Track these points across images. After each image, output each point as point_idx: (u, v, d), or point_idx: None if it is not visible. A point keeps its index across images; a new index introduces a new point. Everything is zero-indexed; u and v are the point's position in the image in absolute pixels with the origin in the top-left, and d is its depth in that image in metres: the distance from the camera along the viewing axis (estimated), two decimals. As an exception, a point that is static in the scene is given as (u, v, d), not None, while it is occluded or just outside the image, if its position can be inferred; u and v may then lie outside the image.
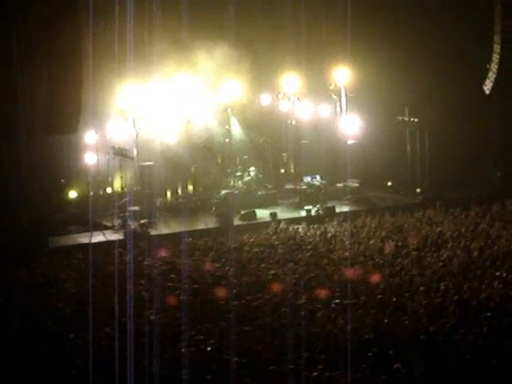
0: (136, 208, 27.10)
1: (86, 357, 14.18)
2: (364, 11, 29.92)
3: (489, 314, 16.09)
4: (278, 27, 30.87)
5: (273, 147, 32.12)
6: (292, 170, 31.98)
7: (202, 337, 15.36)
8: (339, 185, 30.63)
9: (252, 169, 30.71)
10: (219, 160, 30.68)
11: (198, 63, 28.60)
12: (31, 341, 15.70)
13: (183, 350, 14.52)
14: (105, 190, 28.70)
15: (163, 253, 21.57)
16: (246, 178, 30.27)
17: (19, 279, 20.58)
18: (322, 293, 17.96)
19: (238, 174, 30.35)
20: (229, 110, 30.23)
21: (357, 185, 29.97)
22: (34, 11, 26.97)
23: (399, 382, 13.32)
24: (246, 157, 30.96)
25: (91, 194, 27.68)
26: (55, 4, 25.96)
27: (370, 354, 14.23)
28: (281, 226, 25.71)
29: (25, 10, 26.92)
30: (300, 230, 25.40)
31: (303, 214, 28.04)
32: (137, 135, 27.63)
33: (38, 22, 27.47)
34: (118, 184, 28.40)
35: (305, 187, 29.77)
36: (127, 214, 26.36)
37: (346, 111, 30.57)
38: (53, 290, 19.25)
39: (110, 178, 28.45)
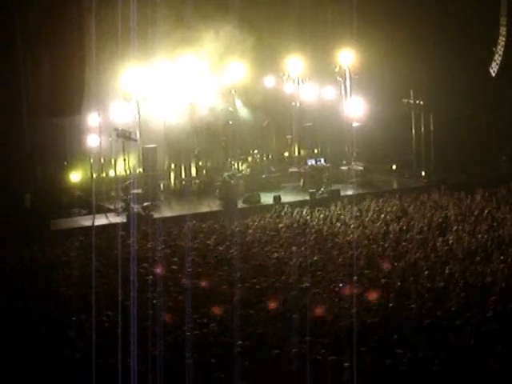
0: (139, 191, 27.03)
1: (89, 340, 14.12)
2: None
3: (494, 298, 15.96)
4: (282, 9, 30.66)
5: (277, 129, 32.00)
6: (296, 153, 31.84)
7: (205, 320, 15.29)
8: (344, 168, 30.53)
9: (256, 151, 30.61)
10: (223, 143, 30.57)
11: (202, 45, 28.41)
12: (33, 324, 15.64)
13: (187, 333, 14.45)
14: (108, 172, 28.58)
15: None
16: (250, 161, 30.15)
17: (21, 262, 20.50)
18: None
19: (242, 156, 30.23)
20: (233, 91, 30.08)
21: (361, 168, 29.86)
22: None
23: (403, 366, 13.23)
24: (249, 139, 30.83)
25: (94, 176, 27.62)
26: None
27: (374, 338, 14.14)
28: (285, 209, 25.60)
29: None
30: (304, 213, 25.26)
31: (307, 197, 27.91)
32: (140, 117, 27.49)
33: (41, 5, 27.36)
34: (121, 166, 28.29)
35: (309, 170, 29.63)
36: (130, 196, 26.30)
37: (351, 94, 30.39)
38: (55, 273, 19.18)
39: (112, 161, 28.35)
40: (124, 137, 27.06)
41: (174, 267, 18.87)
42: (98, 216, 25.30)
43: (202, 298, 16.64)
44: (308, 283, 17.28)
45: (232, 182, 28.13)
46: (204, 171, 30.14)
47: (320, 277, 17.86)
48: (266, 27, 30.50)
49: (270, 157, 31.31)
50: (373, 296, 16.44)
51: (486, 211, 23.53)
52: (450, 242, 20.56)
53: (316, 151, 31.67)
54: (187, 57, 28.64)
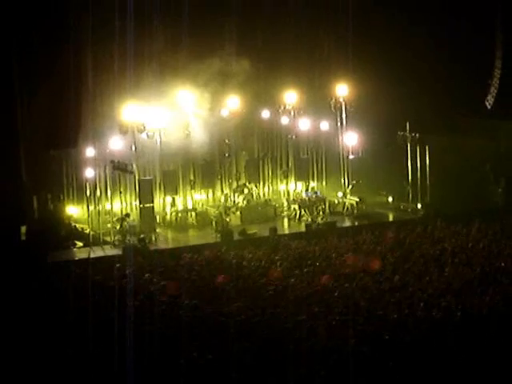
0: (135, 223, 27.10)
1: (86, 372, 14.12)
2: (364, 28, 30.00)
3: (491, 329, 16.00)
4: (279, 43, 30.95)
5: (273, 161, 32.21)
6: (292, 185, 31.99)
7: (201, 352, 15.27)
8: (340, 200, 30.60)
9: (252, 183, 30.75)
10: (219, 174, 30.75)
11: (200, 78, 28.62)
12: (31, 357, 15.60)
13: (182, 364, 14.45)
14: (104, 204, 28.64)
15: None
16: (246, 193, 30.25)
17: (19, 294, 20.46)
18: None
19: (238, 188, 30.35)
20: (230, 123, 30.27)
21: (357, 200, 29.93)
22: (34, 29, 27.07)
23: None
24: (245, 171, 31.02)
25: (90, 208, 27.68)
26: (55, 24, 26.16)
27: (369, 369, 14.14)
28: (281, 241, 25.61)
29: (26, 30, 27.00)
30: (300, 245, 25.26)
31: (303, 229, 27.95)
32: (136, 149, 27.64)
33: (38, 39, 27.56)
34: (117, 199, 28.36)
35: (305, 202, 29.71)
36: (126, 229, 26.36)
37: (347, 126, 30.61)
38: (52, 305, 19.16)
39: (109, 193, 28.42)
40: (120, 169, 27.18)
41: (171, 299, 18.89)
42: (94, 248, 25.34)
43: (199, 330, 16.64)
44: (304, 315, 17.29)
45: (228, 214, 28.22)
46: (200, 203, 30.24)
47: (316, 309, 17.86)
48: (264, 61, 30.80)
49: (266, 189, 31.45)
50: (369, 327, 16.47)
51: (482, 243, 23.60)
52: (447, 274, 20.60)
53: (312, 183, 31.82)
54: (185, 90, 28.87)
